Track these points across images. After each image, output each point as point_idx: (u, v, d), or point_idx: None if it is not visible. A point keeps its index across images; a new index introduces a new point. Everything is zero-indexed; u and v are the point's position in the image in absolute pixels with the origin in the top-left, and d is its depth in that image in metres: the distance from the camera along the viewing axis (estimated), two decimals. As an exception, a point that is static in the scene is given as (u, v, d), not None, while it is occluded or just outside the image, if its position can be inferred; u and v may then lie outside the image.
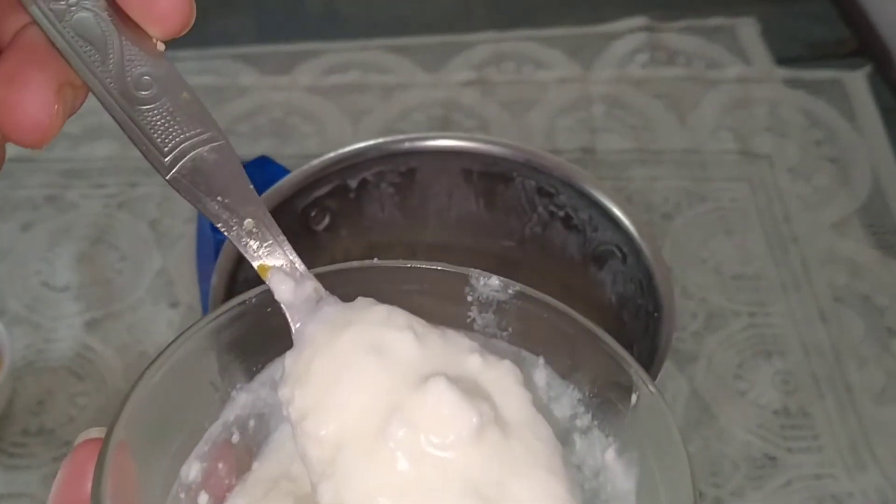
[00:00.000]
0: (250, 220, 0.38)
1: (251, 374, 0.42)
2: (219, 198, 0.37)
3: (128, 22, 0.35)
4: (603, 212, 0.60)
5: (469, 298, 0.42)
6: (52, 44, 0.34)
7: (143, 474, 0.37)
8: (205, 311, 0.66)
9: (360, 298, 0.39)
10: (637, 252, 0.58)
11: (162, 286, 0.87)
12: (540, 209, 0.63)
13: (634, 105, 1.03)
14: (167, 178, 0.37)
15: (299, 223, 0.62)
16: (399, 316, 0.38)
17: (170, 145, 0.37)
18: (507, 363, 0.38)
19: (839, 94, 1.03)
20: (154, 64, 0.36)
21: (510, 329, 0.42)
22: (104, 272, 0.88)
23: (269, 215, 0.39)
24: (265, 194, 0.60)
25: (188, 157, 0.37)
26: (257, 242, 0.38)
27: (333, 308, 0.38)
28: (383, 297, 0.39)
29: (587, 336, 0.40)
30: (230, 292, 0.56)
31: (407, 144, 0.63)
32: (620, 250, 0.60)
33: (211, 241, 0.65)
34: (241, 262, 0.58)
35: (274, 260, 0.38)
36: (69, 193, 0.94)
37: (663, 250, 0.88)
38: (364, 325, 0.37)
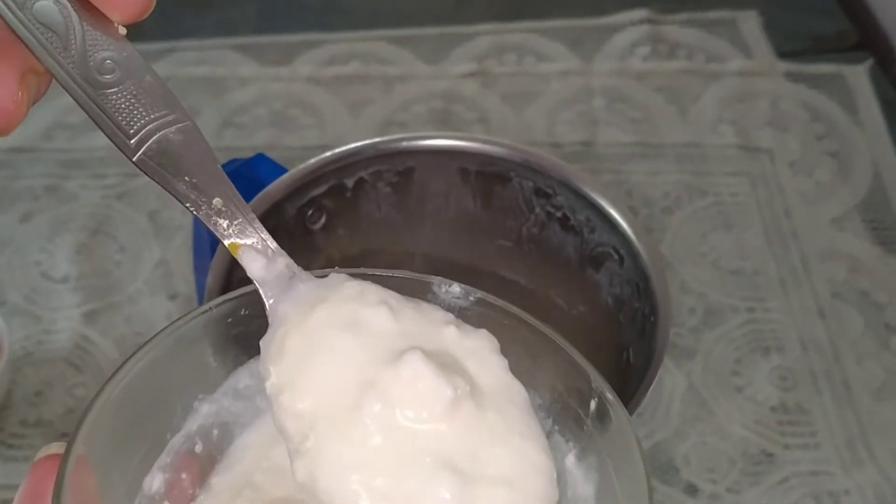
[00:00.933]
0: (219, 198, 0.38)
1: (213, 385, 0.42)
2: (186, 178, 0.38)
3: (88, 7, 0.35)
4: (600, 213, 0.60)
5: None
6: (14, 32, 0.34)
7: (104, 487, 0.37)
8: (200, 305, 0.66)
9: (332, 274, 0.39)
10: (634, 255, 0.58)
11: (160, 278, 0.87)
12: (537, 209, 0.63)
13: (635, 98, 1.02)
14: (133, 159, 0.37)
15: (296, 222, 0.61)
16: (373, 291, 0.38)
17: (135, 127, 0.37)
18: (483, 332, 0.38)
19: (841, 88, 1.03)
20: (116, 48, 0.36)
21: None
22: (103, 263, 0.88)
23: (237, 194, 0.39)
24: (262, 193, 0.60)
25: (154, 138, 0.37)
26: (226, 221, 0.39)
27: (306, 285, 0.38)
28: None
29: (548, 343, 0.40)
30: (225, 293, 0.56)
31: (404, 144, 0.63)
32: (617, 252, 0.60)
33: (207, 238, 0.65)
34: (235, 262, 0.57)
35: (245, 238, 0.39)
36: (69, 184, 0.94)
37: (662, 245, 0.88)
38: (337, 302, 0.37)
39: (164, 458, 0.41)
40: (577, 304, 0.62)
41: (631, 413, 0.51)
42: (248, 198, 0.60)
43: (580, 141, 0.98)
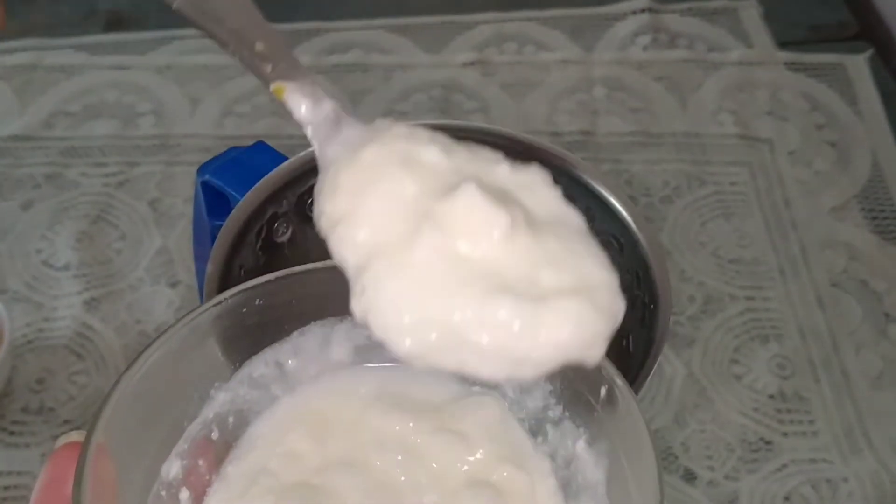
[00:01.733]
0: (261, 42, 0.38)
1: (229, 373, 0.43)
2: (227, 24, 0.38)
3: None
4: (601, 202, 0.60)
5: None
6: None
7: (123, 474, 0.37)
8: (200, 291, 0.66)
9: (378, 119, 0.38)
10: (634, 243, 0.58)
11: (161, 266, 0.87)
12: (537, 198, 0.63)
13: (636, 88, 1.02)
14: (174, 7, 0.37)
15: (296, 209, 0.61)
16: (422, 131, 0.37)
17: None
18: (535, 166, 0.38)
19: (841, 77, 1.03)
20: None
21: None
22: (104, 251, 0.88)
23: (280, 38, 0.38)
24: (262, 181, 0.60)
25: None
26: (270, 64, 0.38)
27: (354, 130, 0.38)
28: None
29: None
30: (225, 280, 0.56)
31: (404, 131, 0.63)
32: (617, 240, 0.59)
33: (207, 225, 0.65)
34: (235, 249, 0.58)
35: (289, 80, 0.38)
36: (69, 172, 0.94)
37: (662, 233, 0.88)
38: (388, 141, 0.37)
39: (182, 445, 0.41)
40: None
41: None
42: (248, 185, 0.61)
43: (580, 130, 0.98)
